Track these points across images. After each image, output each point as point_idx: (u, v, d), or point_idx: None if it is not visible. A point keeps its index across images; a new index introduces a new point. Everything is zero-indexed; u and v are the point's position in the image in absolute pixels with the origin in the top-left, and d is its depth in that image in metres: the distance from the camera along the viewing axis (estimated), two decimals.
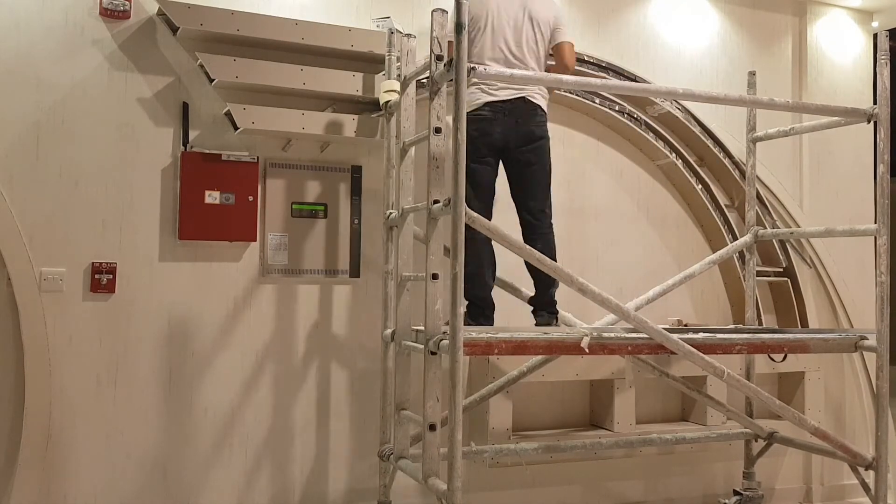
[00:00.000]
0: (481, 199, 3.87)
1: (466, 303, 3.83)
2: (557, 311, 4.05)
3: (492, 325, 3.85)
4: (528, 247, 3.46)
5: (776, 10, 5.47)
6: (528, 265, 3.88)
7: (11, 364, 3.71)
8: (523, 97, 3.90)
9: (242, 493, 4.07)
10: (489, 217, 3.81)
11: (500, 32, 3.93)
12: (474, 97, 3.84)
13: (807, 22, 5.50)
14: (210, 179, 3.96)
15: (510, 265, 4.06)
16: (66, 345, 3.78)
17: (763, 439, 4.61)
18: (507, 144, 3.90)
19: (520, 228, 3.99)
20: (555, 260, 3.76)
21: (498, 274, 4.04)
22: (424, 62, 3.64)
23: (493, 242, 3.80)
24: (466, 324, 3.33)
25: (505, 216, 3.96)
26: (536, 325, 3.97)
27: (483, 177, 3.89)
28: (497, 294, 4.07)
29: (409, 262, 3.74)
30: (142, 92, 3.95)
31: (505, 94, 3.86)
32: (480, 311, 3.85)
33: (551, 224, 4.02)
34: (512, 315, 4.18)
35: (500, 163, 3.99)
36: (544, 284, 3.97)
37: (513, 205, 4.04)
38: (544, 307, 4.02)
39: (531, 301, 4.08)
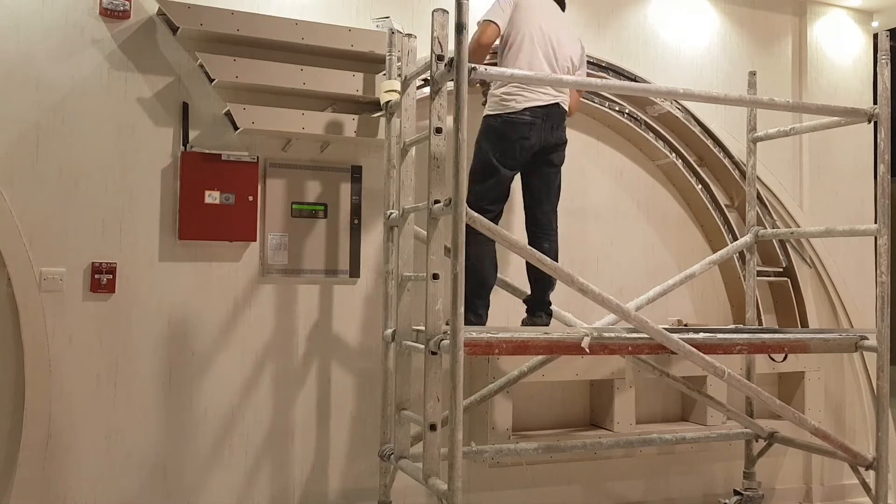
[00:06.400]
0: (500, 203, 3.89)
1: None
2: (552, 313, 4.07)
3: (484, 324, 3.84)
4: (528, 247, 3.46)
5: (776, 10, 5.47)
6: (528, 266, 3.89)
7: (11, 364, 3.71)
8: (558, 103, 3.92)
9: (242, 493, 4.07)
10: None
11: (544, 46, 3.90)
12: (514, 101, 3.81)
13: (807, 22, 5.50)
14: (210, 179, 3.96)
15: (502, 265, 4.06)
16: (66, 345, 3.78)
17: (763, 439, 4.61)
18: (541, 148, 3.91)
19: (522, 230, 4.00)
20: (557, 261, 3.76)
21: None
22: (425, 62, 3.63)
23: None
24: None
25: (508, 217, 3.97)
26: (533, 325, 3.97)
27: (508, 183, 3.90)
28: (497, 294, 4.07)
29: (409, 262, 3.74)
30: (142, 92, 3.95)
31: (546, 99, 3.86)
32: (474, 308, 3.82)
33: (557, 226, 4.05)
34: (512, 315, 4.18)
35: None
36: (544, 285, 3.98)
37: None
38: (542, 308, 4.03)
39: (528, 300, 4.08)
